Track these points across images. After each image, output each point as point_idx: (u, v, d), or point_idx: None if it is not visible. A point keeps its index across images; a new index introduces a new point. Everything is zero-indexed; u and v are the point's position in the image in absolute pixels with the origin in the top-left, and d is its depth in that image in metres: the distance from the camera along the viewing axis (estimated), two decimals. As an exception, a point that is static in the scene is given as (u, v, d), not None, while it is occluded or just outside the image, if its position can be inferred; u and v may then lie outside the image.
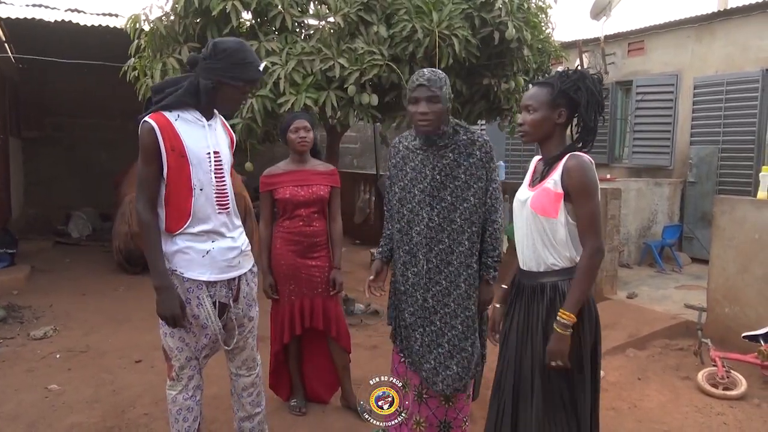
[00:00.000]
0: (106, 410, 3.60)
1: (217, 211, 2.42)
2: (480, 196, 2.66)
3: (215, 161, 2.41)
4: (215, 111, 2.49)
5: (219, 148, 2.44)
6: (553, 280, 2.23)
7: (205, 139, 2.39)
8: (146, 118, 2.28)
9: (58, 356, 4.52)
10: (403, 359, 2.87)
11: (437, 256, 2.66)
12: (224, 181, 2.45)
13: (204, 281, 2.41)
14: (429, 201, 2.66)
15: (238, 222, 2.58)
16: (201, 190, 2.37)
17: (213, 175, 2.40)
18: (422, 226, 2.67)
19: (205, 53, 2.36)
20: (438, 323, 2.68)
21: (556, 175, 2.20)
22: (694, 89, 8.16)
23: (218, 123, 2.52)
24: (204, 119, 2.41)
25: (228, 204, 2.47)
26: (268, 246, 3.46)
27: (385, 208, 2.92)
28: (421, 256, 2.68)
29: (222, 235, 2.45)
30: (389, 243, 2.90)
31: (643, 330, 5.02)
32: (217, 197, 2.41)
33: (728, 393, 3.90)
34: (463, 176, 2.64)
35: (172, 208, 2.35)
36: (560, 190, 2.18)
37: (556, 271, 2.23)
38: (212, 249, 2.42)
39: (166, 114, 2.31)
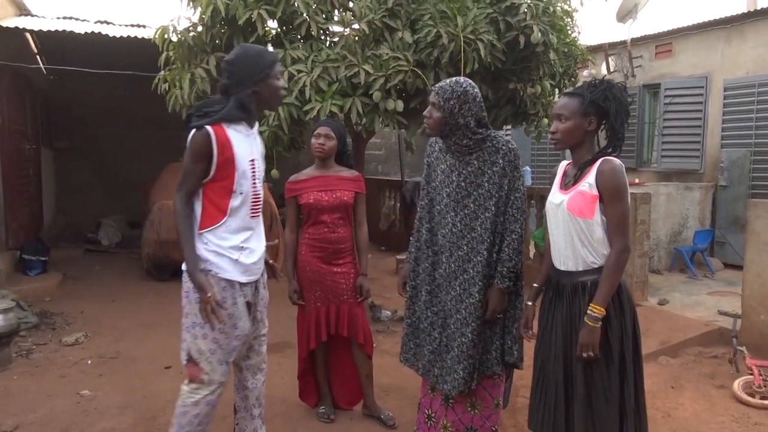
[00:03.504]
0: (137, 416, 3.63)
1: (250, 215, 2.57)
2: (501, 205, 2.66)
3: (256, 168, 2.59)
4: (256, 122, 2.66)
5: (257, 156, 2.61)
6: (593, 278, 2.36)
7: (249, 148, 2.55)
8: (205, 126, 2.43)
9: (89, 362, 4.58)
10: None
11: (455, 262, 2.71)
12: (260, 187, 2.63)
13: (237, 281, 2.54)
14: (453, 206, 2.70)
15: (263, 228, 2.74)
16: (241, 194, 2.52)
17: (252, 181, 2.55)
18: (446, 230, 2.73)
19: (224, 77, 2.52)
20: (452, 327, 2.74)
21: (590, 178, 2.35)
22: (725, 91, 8.00)
23: (257, 133, 2.67)
24: (249, 129, 2.57)
25: (260, 210, 2.64)
26: (293, 252, 3.46)
27: (419, 205, 2.96)
28: (443, 260, 2.75)
29: (252, 238, 2.60)
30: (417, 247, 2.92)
31: (675, 337, 4.92)
32: (252, 202, 2.57)
33: (766, 402, 3.79)
34: (486, 185, 2.65)
35: (211, 205, 2.50)
36: (596, 192, 2.33)
37: (595, 269, 2.37)
38: (243, 252, 2.55)
39: (222, 124, 2.46)
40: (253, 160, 2.56)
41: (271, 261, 2.93)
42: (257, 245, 2.64)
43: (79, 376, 4.29)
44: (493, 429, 2.86)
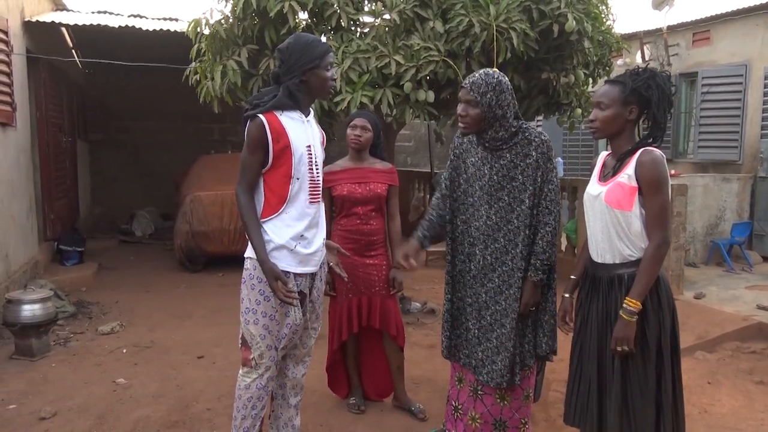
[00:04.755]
0: (171, 404, 3.69)
1: (309, 201, 2.59)
2: (535, 197, 2.63)
3: (313, 154, 2.60)
4: (310, 109, 2.69)
5: (313, 142, 2.62)
6: (630, 271, 2.32)
7: (304, 134, 2.57)
8: (258, 115, 2.48)
9: (124, 351, 4.67)
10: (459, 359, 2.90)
11: (492, 254, 2.69)
12: (318, 173, 2.64)
13: (292, 272, 2.55)
14: (487, 199, 2.67)
15: (323, 218, 2.75)
16: (298, 179, 2.54)
17: (308, 167, 2.57)
18: (480, 223, 2.70)
19: (278, 63, 2.56)
20: (489, 318, 2.73)
21: (629, 169, 2.29)
22: (765, 80, 7.77)
23: (314, 121, 2.70)
24: (303, 116, 2.60)
25: (319, 196, 2.65)
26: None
27: (440, 191, 2.90)
28: (477, 252, 2.73)
29: (311, 227, 2.61)
30: (431, 229, 2.88)
31: (712, 332, 4.81)
32: (311, 188, 2.58)
33: (808, 399, 3.69)
34: (520, 177, 2.62)
35: (271, 193, 2.53)
36: (635, 184, 2.27)
37: (633, 262, 2.32)
38: (301, 242, 2.57)
39: (275, 112, 2.51)
40: (309, 146, 2.58)
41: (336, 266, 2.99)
42: (316, 235, 2.65)
43: (114, 365, 4.37)
44: (523, 421, 2.83)
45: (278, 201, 2.53)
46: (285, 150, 2.49)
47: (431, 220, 2.91)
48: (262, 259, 2.48)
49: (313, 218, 2.62)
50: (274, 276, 2.45)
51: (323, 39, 2.60)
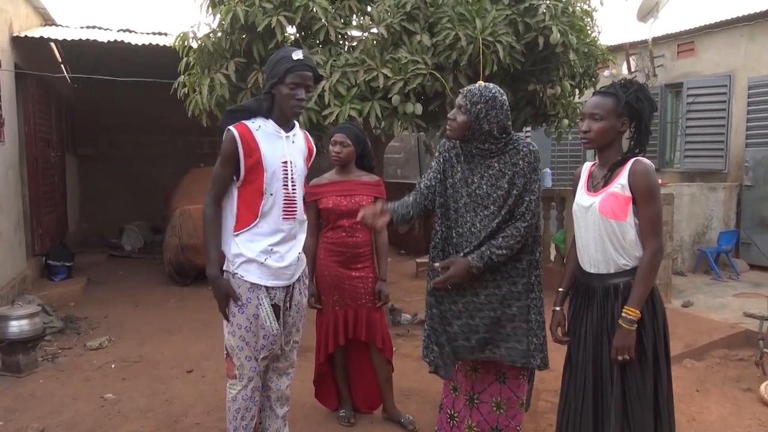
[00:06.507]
0: (160, 419, 3.67)
1: (282, 217, 2.58)
2: (514, 205, 2.64)
3: (289, 170, 2.59)
4: (295, 123, 2.69)
5: (292, 158, 2.61)
6: (625, 280, 2.34)
7: (281, 149, 2.57)
8: (230, 127, 2.50)
9: (113, 366, 4.64)
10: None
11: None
12: (295, 189, 2.62)
13: (263, 285, 2.57)
14: (474, 207, 2.68)
15: (302, 233, 2.75)
16: (271, 195, 2.54)
17: (282, 183, 2.57)
18: (465, 229, 2.71)
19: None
20: (477, 320, 2.74)
21: (622, 179, 2.32)
22: (749, 90, 7.87)
23: (299, 136, 2.70)
24: (282, 131, 2.59)
25: (295, 212, 2.64)
26: (312, 256, 3.46)
27: (418, 190, 2.84)
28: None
29: (284, 241, 2.61)
30: (405, 207, 2.78)
31: (700, 340, 4.84)
32: (285, 204, 2.58)
33: (794, 406, 3.72)
34: (506, 185, 2.64)
35: (244, 208, 2.54)
36: (629, 194, 2.30)
37: (627, 271, 2.34)
38: (272, 256, 2.56)
39: (248, 124, 2.53)
40: (285, 162, 2.57)
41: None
42: (289, 249, 2.64)
43: (103, 380, 4.34)
44: (518, 429, 2.85)
45: (251, 216, 2.54)
46: (257, 165, 2.50)
47: (406, 202, 2.80)
48: (213, 275, 2.51)
49: (288, 234, 2.62)
50: (223, 292, 2.51)
51: (299, 53, 2.52)
